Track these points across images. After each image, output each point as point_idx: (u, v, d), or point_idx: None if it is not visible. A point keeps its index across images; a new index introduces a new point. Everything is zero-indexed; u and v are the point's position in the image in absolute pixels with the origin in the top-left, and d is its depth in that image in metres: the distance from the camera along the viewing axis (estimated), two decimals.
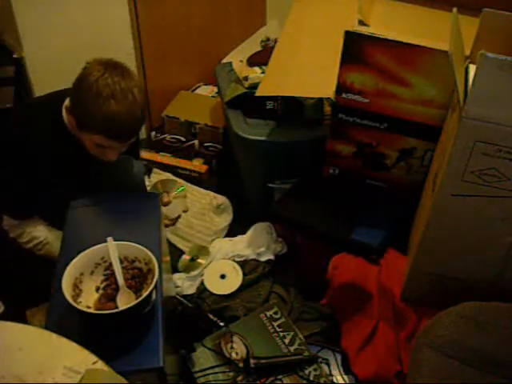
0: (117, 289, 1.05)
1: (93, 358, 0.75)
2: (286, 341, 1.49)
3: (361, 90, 1.39)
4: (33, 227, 1.40)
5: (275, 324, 1.54)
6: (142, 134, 2.49)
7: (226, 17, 2.46)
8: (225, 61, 2.23)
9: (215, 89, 2.44)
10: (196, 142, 2.28)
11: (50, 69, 1.98)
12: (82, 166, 1.38)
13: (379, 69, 1.33)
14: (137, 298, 0.99)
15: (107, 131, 1.19)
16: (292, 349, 1.47)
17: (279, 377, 1.41)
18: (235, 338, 1.49)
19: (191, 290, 1.69)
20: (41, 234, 1.41)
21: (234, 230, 1.93)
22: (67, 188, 1.36)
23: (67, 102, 1.27)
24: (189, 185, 2.08)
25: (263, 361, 1.43)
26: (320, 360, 1.47)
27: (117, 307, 1.02)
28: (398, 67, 1.31)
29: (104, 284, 1.09)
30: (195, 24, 2.37)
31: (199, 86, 2.53)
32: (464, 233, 1.14)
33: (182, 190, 1.98)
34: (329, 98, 1.62)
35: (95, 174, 1.44)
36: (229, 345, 1.48)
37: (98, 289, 1.08)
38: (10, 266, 1.43)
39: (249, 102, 1.76)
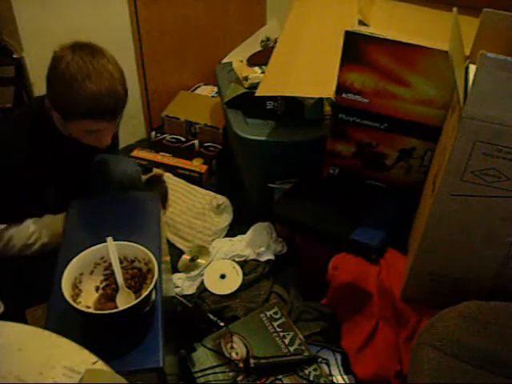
0: (116, 289, 1.05)
1: (93, 358, 0.75)
2: (286, 341, 1.49)
3: (361, 90, 1.39)
4: (18, 227, 1.34)
5: (275, 324, 1.54)
6: (142, 134, 2.49)
7: (226, 17, 2.46)
8: (225, 61, 2.23)
9: (215, 89, 2.44)
10: (196, 141, 2.28)
11: None
12: (80, 164, 1.37)
13: (379, 69, 1.33)
14: (136, 298, 0.99)
15: (92, 113, 1.17)
16: (292, 349, 1.47)
17: (279, 377, 1.41)
18: (235, 338, 1.49)
19: (191, 290, 1.69)
20: (31, 228, 1.35)
21: (233, 230, 1.93)
22: (66, 189, 1.36)
23: (47, 100, 1.25)
24: (189, 185, 2.08)
25: (263, 361, 1.43)
26: (320, 360, 1.47)
27: (116, 307, 1.02)
28: (398, 67, 1.31)
29: (104, 284, 1.09)
30: (195, 24, 2.37)
31: (199, 86, 2.53)
32: (464, 233, 1.14)
33: None
34: (329, 97, 1.62)
35: (85, 175, 1.43)
36: (229, 345, 1.48)
37: (97, 289, 1.08)
38: (10, 265, 1.43)
39: (249, 102, 1.76)
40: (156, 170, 1.64)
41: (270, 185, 1.75)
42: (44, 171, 1.32)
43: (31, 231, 1.34)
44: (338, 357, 1.50)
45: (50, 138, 1.31)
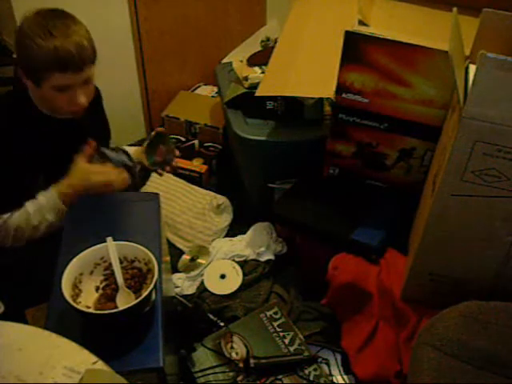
0: (116, 289, 1.05)
1: (93, 358, 0.75)
2: (286, 341, 1.49)
3: (361, 90, 1.39)
4: (19, 212, 1.31)
5: (275, 324, 1.54)
6: (142, 134, 2.49)
7: (226, 17, 2.46)
8: (225, 61, 2.23)
9: (215, 89, 2.45)
10: (196, 141, 2.28)
11: None
12: (67, 149, 1.38)
13: (379, 69, 1.33)
14: (136, 298, 0.99)
15: (57, 64, 1.18)
16: (292, 349, 1.47)
17: (279, 377, 1.41)
18: (235, 338, 1.49)
19: (191, 290, 1.69)
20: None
21: (233, 230, 1.93)
22: (56, 178, 1.36)
23: (19, 69, 1.27)
24: (189, 185, 2.08)
25: (263, 361, 1.43)
26: (320, 360, 1.47)
27: (116, 307, 1.01)
28: (398, 67, 1.31)
29: (103, 284, 1.09)
30: (195, 24, 2.37)
31: (199, 86, 2.53)
32: (464, 233, 1.14)
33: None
34: (329, 97, 1.62)
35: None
36: (229, 345, 1.48)
37: (97, 289, 1.08)
38: (9, 265, 1.43)
39: (249, 102, 1.76)
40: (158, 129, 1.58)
41: (270, 185, 1.75)
42: (29, 156, 1.31)
43: (32, 213, 1.32)
44: (338, 357, 1.50)
45: (30, 117, 1.32)
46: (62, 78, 1.21)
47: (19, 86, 1.31)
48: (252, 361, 1.42)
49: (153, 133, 1.48)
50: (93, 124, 1.46)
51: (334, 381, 1.44)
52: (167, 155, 1.46)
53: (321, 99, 1.69)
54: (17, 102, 1.34)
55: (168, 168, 1.50)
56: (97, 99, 1.51)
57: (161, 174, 1.53)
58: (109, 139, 1.66)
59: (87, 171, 1.29)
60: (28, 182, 1.32)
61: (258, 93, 1.55)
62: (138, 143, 2.40)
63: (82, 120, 1.38)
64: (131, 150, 1.50)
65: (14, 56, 1.94)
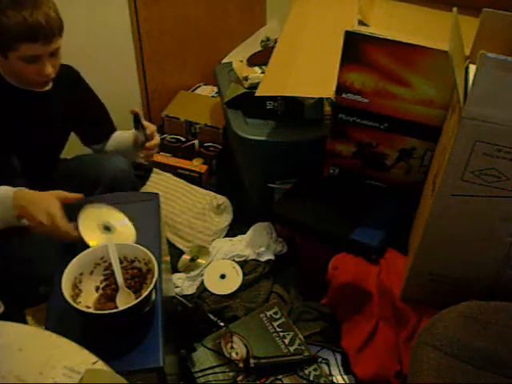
0: (116, 289, 1.05)
1: (93, 358, 0.75)
2: (286, 341, 1.49)
3: (361, 90, 1.39)
4: None
5: (275, 324, 1.54)
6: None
7: (226, 17, 2.46)
8: (225, 61, 2.23)
9: (215, 89, 2.44)
10: (196, 141, 2.28)
11: None
12: (38, 127, 1.38)
13: (379, 69, 1.33)
14: (136, 298, 0.99)
15: (25, 34, 1.18)
16: (292, 349, 1.47)
17: (279, 377, 1.41)
18: (235, 338, 1.49)
19: (191, 290, 1.69)
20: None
21: (233, 230, 1.93)
22: (30, 160, 1.35)
23: None
24: (189, 185, 2.08)
25: (263, 361, 1.43)
26: (320, 360, 1.47)
27: (116, 307, 1.02)
28: (398, 67, 1.31)
29: (103, 284, 1.09)
30: (195, 24, 2.37)
31: (199, 86, 2.53)
32: (464, 233, 1.14)
33: None
34: (329, 97, 1.62)
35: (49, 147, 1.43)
36: (229, 345, 1.48)
37: (97, 289, 1.08)
38: (9, 265, 1.43)
39: (249, 102, 1.76)
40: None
41: (270, 185, 1.75)
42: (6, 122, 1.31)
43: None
44: (338, 357, 1.50)
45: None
46: (31, 48, 1.21)
47: None
48: (252, 361, 1.42)
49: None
50: (69, 103, 1.46)
51: (334, 381, 1.44)
52: (139, 136, 1.45)
53: (321, 99, 1.69)
54: None
55: (148, 150, 1.45)
56: (74, 79, 1.51)
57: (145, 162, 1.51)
58: (106, 124, 1.64)
59: (47, 205, 1.14)
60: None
61: (258, 93, 1.55)
62: None
63: (52, 96, 1.39)
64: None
65: None
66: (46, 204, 1.15)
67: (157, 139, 1.47)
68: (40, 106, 1.39)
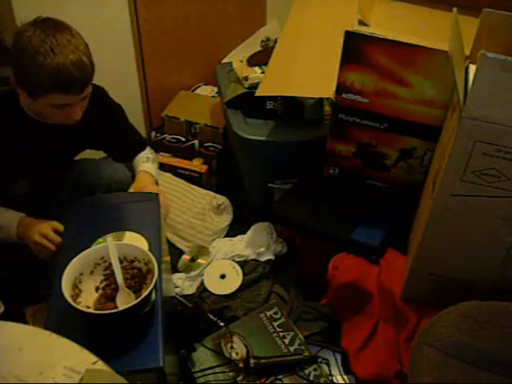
0: (116, 289, 1.05)
1: (93, 358, 0.75)
2: (286, 341, 1.49)
3: (361, 90, 1.39)
4: None
5: (275, 324, 1.54)
6: (142, 133, 2.48)
7: (226, 17, 2.46)
8: (225, 61, 2.23)
9: (215, 89, 2.44)
10: (196, 141, 2.28)
11: None
12: (53, 154, 1.37)
13: (379, 69, 1.33)
14: (136, 298, 0.99)
15: (58, 86, 1.15)
16: (292, 349, 1.47)
17: (279, 377, 1.41)
18: (235, 338, 1.49)
19: (191, 290, 1.69)
20: None
21: (233, 230, 1.93)
22: (40, 185, 1.35)
23: (12, 78, 1.22)
24: (189, 185, 2.08)
25: (263, 361, 1.43)
26: (320, 360, 1.47)
27: (116, 307, 1.02)
28: (398, 67, 1.31)
29: (103, 284, 1.09)
30: (195, 24, 2.37)
31: (199, 86, 2.53)
32: (464, 233, 1.14)
33: None
34: (329, 97, 1.62)
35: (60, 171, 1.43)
36: (229, 345, 1.48)
37: (97, 289, 1.08)
38: (9, 265, 1.43)
39: (249, 102, 1.76)
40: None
41: (270, 185, 1.75)
42: (13, 158, 1.30)
43: None
44: (338, 357, 1.50)
45: (16, 119, 1.29)
46: (61, 97, 1.19)
47: (5, 89, 1.28)
48: (252, 361, 1.42)
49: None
50: (92, 124, 1.43)
51: (334, 381, 1.44)
52: None
53: (321, 99, 1.69)
54: (4, 101, 1.30)
55: None
56: (110, 113, 1.50)
57: None
58: (137, 150, 1.64)
59: (40, 228, 1.31)
60: (5, 180, 1.32)
61: (258, 93, 1.55)
62: None
63: (74, 126, 1.34)
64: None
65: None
66: (39, 226, 1.32)
67: None
68: (59, 136, 1.37)
